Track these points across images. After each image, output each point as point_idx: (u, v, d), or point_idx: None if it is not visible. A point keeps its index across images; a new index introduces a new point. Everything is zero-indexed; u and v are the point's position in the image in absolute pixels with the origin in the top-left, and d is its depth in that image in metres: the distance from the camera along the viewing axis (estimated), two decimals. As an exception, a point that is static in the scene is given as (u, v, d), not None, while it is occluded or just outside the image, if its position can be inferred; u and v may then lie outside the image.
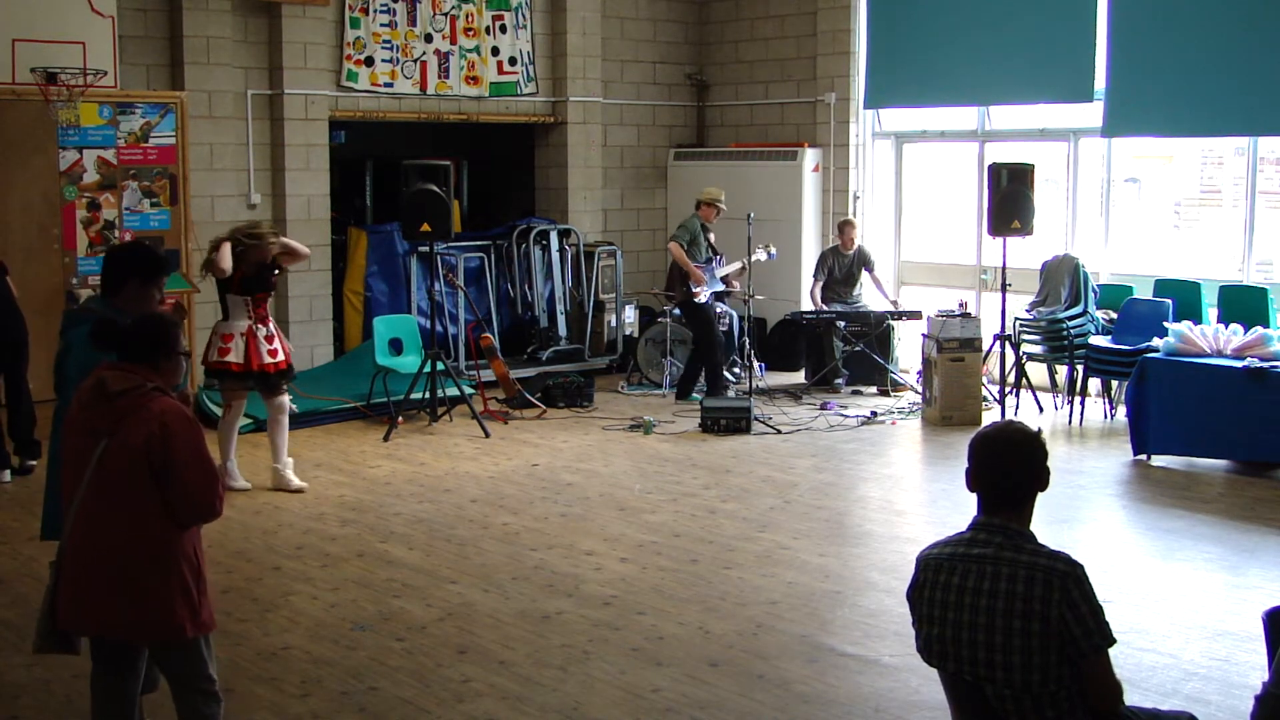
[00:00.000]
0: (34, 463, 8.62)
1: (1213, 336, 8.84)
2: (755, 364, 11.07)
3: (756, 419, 9.96)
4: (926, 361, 10.35)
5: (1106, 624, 3.31)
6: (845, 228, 11.71)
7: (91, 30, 9.66)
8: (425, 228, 10.01)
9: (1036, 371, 10.94)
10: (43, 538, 4.75)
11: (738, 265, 11.22)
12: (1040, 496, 3.49)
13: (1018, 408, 10.35)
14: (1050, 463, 3.51)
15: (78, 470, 3.96)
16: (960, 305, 10.80)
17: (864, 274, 11.78)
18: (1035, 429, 3.54)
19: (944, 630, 3.42)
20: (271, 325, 8.24)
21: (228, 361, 8.03)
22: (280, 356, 8.18)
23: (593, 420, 10.39)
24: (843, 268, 11.69)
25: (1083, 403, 10.34)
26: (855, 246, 11.68)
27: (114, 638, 4.01)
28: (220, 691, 4.22)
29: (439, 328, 10.73)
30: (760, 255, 10.93)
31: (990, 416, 10.09)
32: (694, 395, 10.98)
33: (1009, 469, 3.42)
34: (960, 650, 3.39)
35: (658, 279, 12.89)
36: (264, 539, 7.23)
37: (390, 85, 11.81)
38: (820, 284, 11.70)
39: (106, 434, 3.90)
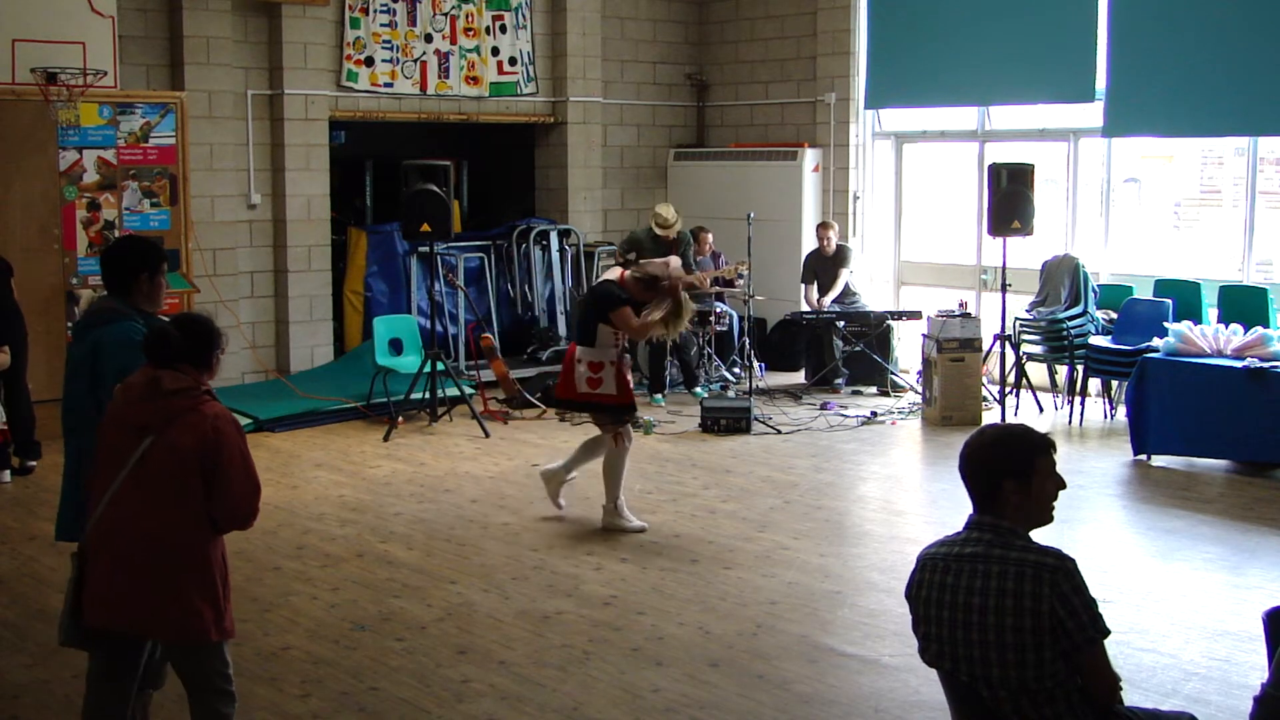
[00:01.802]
0: (34, 464, 8.61)
1: (1213, 336, 8.84)
2: (755, 364, 11.08)
3: (756, 419, 9.96)
4: (926, 361, 10.35)
5: (1100, 616, 3.31)
6: (821, 229, 11.71)
7: (91, 30, 9.66)
8: (425, 228, 10.01)
9: (1036, 371, 10.94)
10: (58, 538, 4.74)
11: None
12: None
13: (1018, 408, 10.35)
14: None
15: (112, 465, 3.95)
16: (960, 305, 10.81)
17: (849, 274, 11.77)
18: (1023, 427, 3.54)
19: (940, 630, 3.43)
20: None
21: (600, 394, 7.30)
22: (632, 385, 7.54)
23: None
24: (825, 270, 11.68)
25: (1083, 403, 10.34)
26: (834, 247, 11.66)
27: (136, 634, 4.02)
28: (234, 693, 4.19)
29: (439, 328, 10.74)
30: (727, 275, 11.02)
31: (990, 416, 10.09)
32: (698, 391, 11.05)
33: (979, 467, 3.44)
34: (956, 649, 3.40)
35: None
36: (264, 539, 7.22)
37: (390, 85, 11.81)
38: (813, 287, 11.70)
39: (153, 431, 3.89)
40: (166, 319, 4.43)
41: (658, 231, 11.08)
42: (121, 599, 3.94)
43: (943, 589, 3.42)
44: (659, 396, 11.03)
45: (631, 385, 7.47)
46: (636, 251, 11.18)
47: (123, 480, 3.91)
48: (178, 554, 3.92)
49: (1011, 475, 3.40)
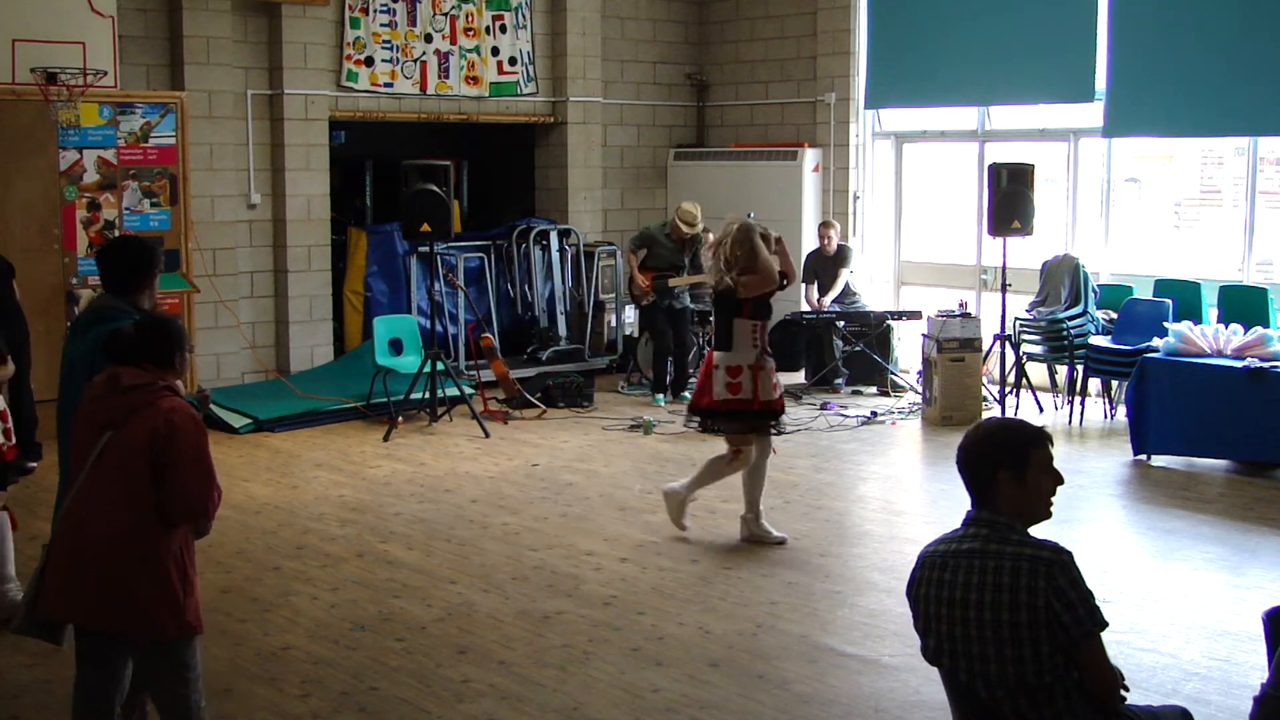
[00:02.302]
0: (33, 465, 8.59)
1: (1213, 336, 8.84)
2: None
3: (756, 419, 9.94)
4: (926, 361, 10.35)
5: (1097, 609, 3.30)
6: (822, 229, 11.70)
7: (91, 30, 9.66)
8: (425, 228, 10.01)
9: (1036, 371, 10.94)
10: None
11: (690, 280, 11.12)
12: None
13: (1018, 408, 10.35)
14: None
15: (80, 462, 4.02)
16: (960, 305, 10.80)
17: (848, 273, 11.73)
18: (1018, 420, 3.55)
19: (939, 626, 3.43)
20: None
21: (739, 399, 6.88)
22: (781, 391, 7.12)
23: (593, 420, 10.39)
24: (826, 270, 11.68)
25: (1083, 403, 10.34)
26: (835, 247, 11.65)
27: (92, 627, 4.01)
28: (202, 698, 4.14)
29: (439, 328, 10.73)
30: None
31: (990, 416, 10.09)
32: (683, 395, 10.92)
33: (974, 457, 3.45)
34: (955, 646, 3.39)
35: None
36: (264, 539, 7.23)
37: (390, 85, 11.81)
38: (813, 286, 11.69)
39: (112, 427, 3.95)
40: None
41: (684, 230, 10.96)
42: (75, 591, 3.97)
43: (940, 585, 3.41)
44: (660, 396, 11.02)
45: (775, 390, 7.00)
46: (648, 247, 11.10)
47: (83, 478, 3.97)
48: (131, 547, 3.93)
49: (1005, 466, 3.39)
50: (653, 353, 11.23)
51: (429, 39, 12.00)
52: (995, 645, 3.31)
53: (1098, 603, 3.32)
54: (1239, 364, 8.46)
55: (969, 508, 3.50)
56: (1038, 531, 3.43)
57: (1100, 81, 10.55)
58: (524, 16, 12.57)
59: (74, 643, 4.16)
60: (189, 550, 4.09)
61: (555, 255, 12.36)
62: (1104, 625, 3.29)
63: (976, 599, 3.33)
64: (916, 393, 10.94)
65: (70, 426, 4.55)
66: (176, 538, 4.02)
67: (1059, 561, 3.29)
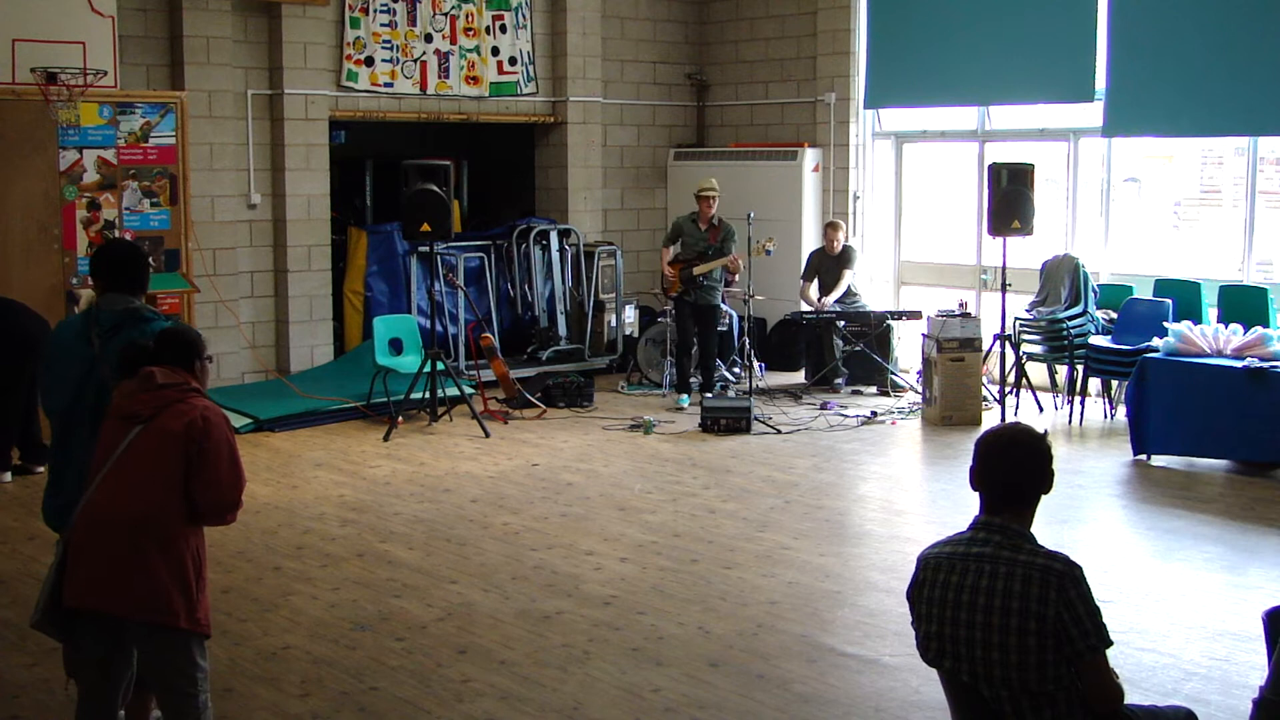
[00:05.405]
0: (40, 469, 8.57)
1: (1213, 336, 8.84)
2: (755, 364, 11.06)
3: (756, 419, 9.96)
4: (926, 361, 10.35)
5: (1104, 625, 3.31)
6: (828, 229, 11.70)
7: (91, 30, 9.66)
8: (425, 228, 10.01)
9: (1036, 371, 10.94)
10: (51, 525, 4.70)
11: (713, 264, 11.00)
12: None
13: (1018, 408, 10.35)
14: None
15: (105, 456, 4.07)
16: (960, 305, 10.80)
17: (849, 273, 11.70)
18: (1041, 431, 3.55)
19: (942, 628, 3.43)
20: None
21: None
22: None
23: (593, 420, 10.39)
24: (829, 269, 11.67)
25: (1083, 403, 10.34)
26: (840, 247, 11.64)
27: (105, 609, 4.02)
28: (209, 700, 4.15)
29: (439, 328, 10.73)
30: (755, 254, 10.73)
31: (990, 416, 10.09)
32: (681, 399, 10.90)
33: (1013, 470, 3.44)
34: (958, 649, 3.40)
35: (658, 279, 12.84)
36: (264, 539, 7.23)
37: (390, 85, 11.81)
38: (813, 285, 11.67)
39: (143, 420, 4.03)
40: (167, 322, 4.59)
41: (709, 199, 10.78)
42: (93, 576, 3.99)
43: (946, 588, 3.42)
44: (684, 397, 10.93)
45: None
46: (679, 238, 10.91)
47: (110, 466, 4.03)
48: (152, 534, 3.97)
49: (1047, 489, 3.45)
50: (675, 348, 11.08)
51: (429, 39, 12.00)
52: (1000, 650, 3.32)
53: (1103, 617, 3.34)
54: (1239, 364, 8.46)
55: (979, 510, 3.50)
56: (1045, 540, 3.45)
57: (1100, 81, 10.55)
58: (524, 16, 12.57)
59: (76, 648, 4.16)
60: (203, 551, 4.15)
61: (555, 255, 12.36)
62: (1109, 643, 3.31)
63: (985, 603, 3.34)
64: (916, 393, 10.95)
65: (67, 421, 4.56)
66: (196, 535, 4.10)
67: (1070, 575, 3.30)
